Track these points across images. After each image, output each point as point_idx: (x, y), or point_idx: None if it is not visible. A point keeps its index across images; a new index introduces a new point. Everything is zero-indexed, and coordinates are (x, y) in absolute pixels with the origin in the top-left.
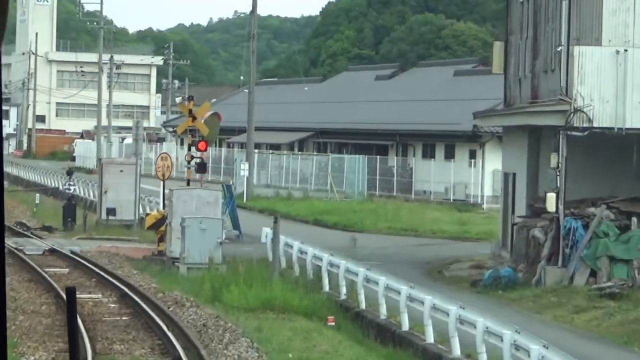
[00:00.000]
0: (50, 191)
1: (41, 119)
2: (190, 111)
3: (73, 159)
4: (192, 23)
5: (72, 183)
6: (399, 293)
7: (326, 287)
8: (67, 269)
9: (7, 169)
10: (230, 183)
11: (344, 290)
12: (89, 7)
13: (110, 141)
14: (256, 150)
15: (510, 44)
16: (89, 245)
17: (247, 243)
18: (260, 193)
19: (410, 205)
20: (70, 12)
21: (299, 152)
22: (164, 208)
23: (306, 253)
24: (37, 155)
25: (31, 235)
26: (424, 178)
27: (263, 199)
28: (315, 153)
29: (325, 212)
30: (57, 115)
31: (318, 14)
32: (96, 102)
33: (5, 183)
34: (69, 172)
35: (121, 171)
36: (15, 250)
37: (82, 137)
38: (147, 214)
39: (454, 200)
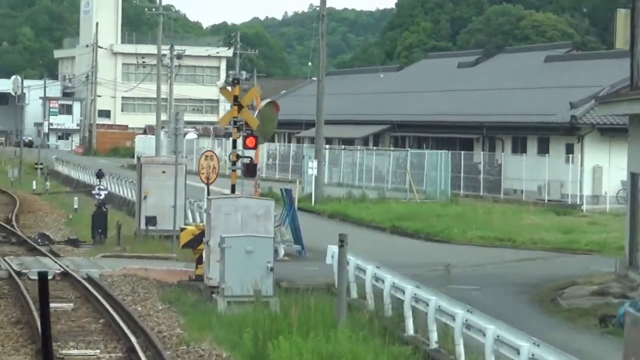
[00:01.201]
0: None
1: (106, 113)
2: (235, 98)
3: (133, 155)
4: (267, 17)
5: (102, 187)
6: (518, 352)
7: (410, 331)
8: (72, 304)
9: (58, 167)
10: (297, 183)
11: (434, 336)
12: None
13: (170, 136)
14: (327, 146)
15: (639, 11)
16: (114, 265)
17: (311, 261)
18: (331, 193)
19: (501, 208)
20: (141, 4)
21: (374, 147)
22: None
23: (383, 282)
24: (98, 152)
25: (47, 253)
26: (514, 175)
27: (334, 201)
28: (392, 148)
29: (405, 217)
30: (122, 110)
31: (394, 6)
32: (163, 96)
33: (47, 184)
34: (99, 175)
35: (164, 172)
36: (16, 276)
37: (145, 132)
38: (183, 228)
39: (548, 200)
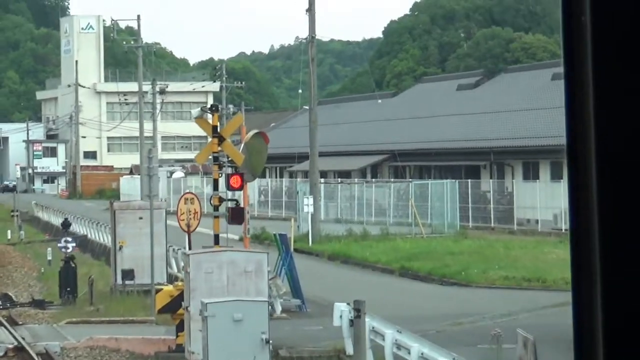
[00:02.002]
0: (79, 241)
1: (92, 154)
2: (214, 129)
3: (119, 197)
4: (253, 51)
5: (69, 239)
6: None
7: None
8: None
9: (38, 213)
10: (292, 222)
11: None
12: (147, 39)
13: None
14: (322, 180)
15: None
16: (79, 334)
17: (313, 317)
18: (329, 231)
19: (519, 241)
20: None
21: (373, 179)
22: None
23: (408, 351)
24: (83, 195)
25: (2, 321)
26: (526, 204)
27: (333, 240)
28: (392, 179)
29: (414, 256)
30: (108, 150)
31: (380, 35)
32: (149, 134)
33: (22, 233)
34: (65, 224)
35: (140, 218)
36: None
37: (131, 172)
38: (159, 289)
39: (565, 230)
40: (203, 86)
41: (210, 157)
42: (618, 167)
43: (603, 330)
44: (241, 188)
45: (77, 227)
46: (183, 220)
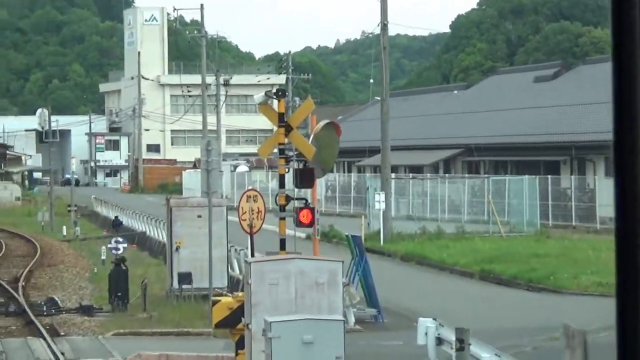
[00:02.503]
0: (137, 238)
1: (155, 148)
2: (280, 117)
3: (182, 191)
4: (319, 45)
5: (119, 240)
6: None
7: None
8: None
9: (97, 208)
10: (362, 219)
11: None
12: (212, 32)
13: (220, 170)
14: (392, 175)
15: None
16: (127, 349)
17: (391, 330)
18: (401, 229)
19: (606, 242)
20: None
21: (446, 175)
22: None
23: None
24: (145, 189)
25: (43, 330)
26: (609, 202)
27: (406, 239)
28: (466, 175)
29: (495, 258)
30: (172, 144)
31: (448, 29)
32: (212, 128)
33: (77, 229)
34: (116, 223)
35: (199, 216)
36: None
37: (194, 166)
38: (216, 300)
39: None
40: (268, 78)
41: (275, 150)
42: None
43: None
44: (311, 185)
45: (135, 223)
46: (245, 220)
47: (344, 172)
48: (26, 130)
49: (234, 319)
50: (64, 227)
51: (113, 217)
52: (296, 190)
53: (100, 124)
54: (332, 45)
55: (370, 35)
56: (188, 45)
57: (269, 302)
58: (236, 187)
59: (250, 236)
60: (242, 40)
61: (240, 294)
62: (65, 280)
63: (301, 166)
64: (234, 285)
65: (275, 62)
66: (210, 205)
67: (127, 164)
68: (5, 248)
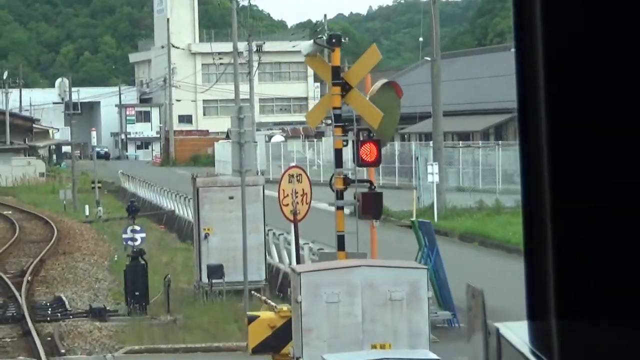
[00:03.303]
0: (165, 217)
1: (187, 119)
2: (335, 71)
3: (214, 163)
4: (351, 12)
5: (136, 229)
6: None
7: None
8: None
9: (125, 184)
10: (413, 193)
11: None
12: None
13: (254, 140)
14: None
15: None
16: None
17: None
18: (455, 202)
19: None
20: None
21: (499, 142)
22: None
23: None
24: (176, 162)
25: (39, 345)
26: None
27: (462, 214)
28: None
29: None
30: (204, 114)
31: None
32: (245, 97)
33: (99, 209)
34: (131, 209)
35: (231, 198)
36: None
37: (227, 136)
38: (253, 317)
39: None
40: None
41: (326, 115)
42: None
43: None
44: (377, 162)
45: (163, 201)
46: (287, 205)
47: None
48: (54, 103)
49: (277, 341)
50: (86, 207)
51: (128, 203)
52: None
53: (130, 95)
54: (364, 12)
55: (403, 1)
56: (219, 13)
57: (327, 328)
58: (271, 158)
59: (294, 225)
60: (273, 8)
61: (285, 307)
62: (79, 272)
63: (363, 137)
64: (273, 277)
65: (308, 29)
66: (243, 186)
67: (158, 135)
68: (19, 232)
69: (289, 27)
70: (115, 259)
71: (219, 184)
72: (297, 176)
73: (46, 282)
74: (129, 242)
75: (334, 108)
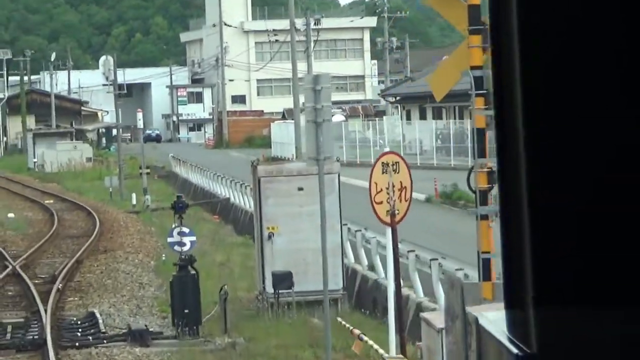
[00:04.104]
0: (219, 206)
1: (241, 99)
2: (474, 14)
3: (270, 145)
4: None
5: (185, 231)
6: None
7: None
8: None
9: (176, 168)
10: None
11: None
12: None
13: (329, 119)
14: None
15: None
16: None
17: None
18: None
19: None
20: None
21: None
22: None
23: None
24: (230, 144)
25: None
26: None
27: None
28: None
29: None
30: (258, 94)
31: None
32: (301, 76)
33: (147, 198)
34: (178, 206)
35: (300, 189)
36: None
37: (283, 117)
38: None
39: None
40: (361, 17)
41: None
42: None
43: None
44: None
45: (217, 188)
46: (381, 203)
47: (454, 118)
48: (104, 85)
49: None
50: (133, 195)
51: (175, 199)
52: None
53: (182, 76)
54: None
55: None
56: None
57: None
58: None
59: (392, 229)
60: None
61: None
62: (120, 276)
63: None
64: (350, 284)
65: (360, 10)
66: (321, 176)
67: (210, 117)
68: (57, 225)
69: (341, 5)
70: (163, 258)
71: (285, 173)
72: (393, 165)
73: (80, 290)
74: (176, 247)
75: (473, 68)
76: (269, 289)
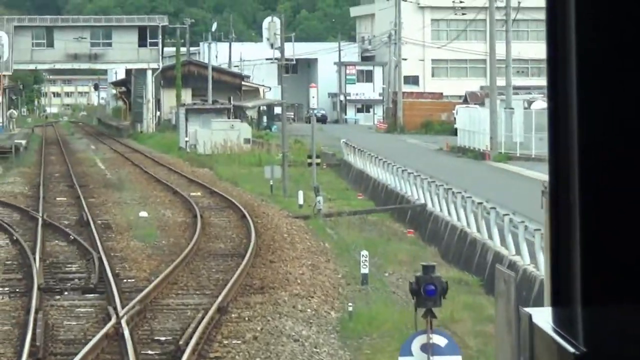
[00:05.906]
0: (409, 213)
1: (413, 80)
2: None
3: (455, 132)
4: None
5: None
6: None
7: None
8: None
9: (349, 157)
10: None
11: None
12: None
13: (510, 107)
14: None
15: None
16: None
17: None
18: None
19: None
20: None
21: None
22: None
23: None
24: (404, 128)
25: None
26: None
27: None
28: None
29: None
30: (432, 75)
31: None
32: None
33: (319, 199)
34: (428, 289)
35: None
36: None
37: (465, 101)
38: None
39: None
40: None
41: None
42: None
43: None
44: None
45: (404, 187)
46: None
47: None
48: (267, 59)
49: None
50: (300, 193)
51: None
52: None
53: (351, 52)
54: None
55: None
56: None
57: None
58: (534, 129)
59: None
60: None
61: None
62: (287, 348)
63: None
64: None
65: None
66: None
67: (381, 98)
68: (199, 235)
69: None
70: (350, 308)
71: None
72: None
73: (238, 348)
74: None
75: None
76: None
